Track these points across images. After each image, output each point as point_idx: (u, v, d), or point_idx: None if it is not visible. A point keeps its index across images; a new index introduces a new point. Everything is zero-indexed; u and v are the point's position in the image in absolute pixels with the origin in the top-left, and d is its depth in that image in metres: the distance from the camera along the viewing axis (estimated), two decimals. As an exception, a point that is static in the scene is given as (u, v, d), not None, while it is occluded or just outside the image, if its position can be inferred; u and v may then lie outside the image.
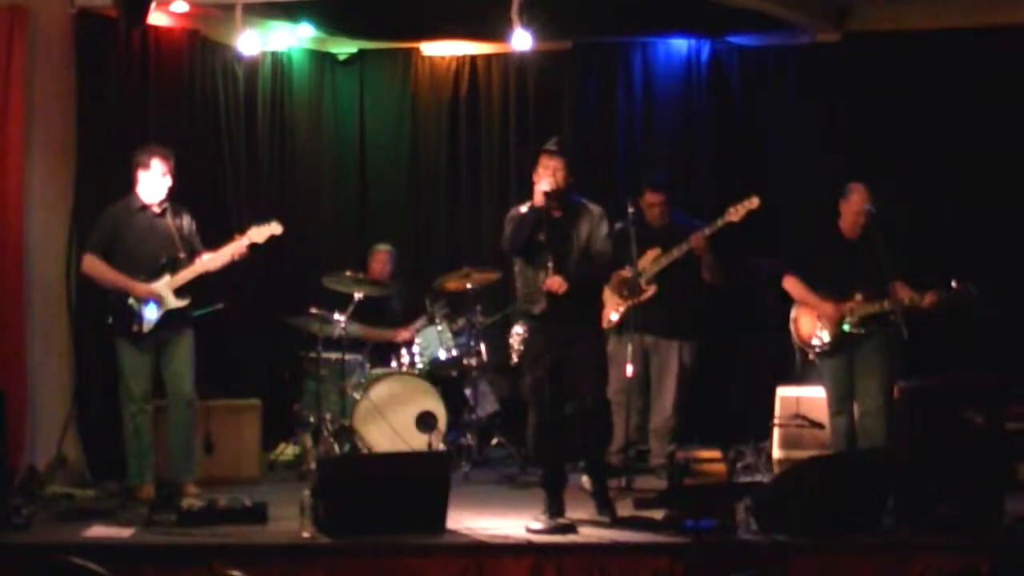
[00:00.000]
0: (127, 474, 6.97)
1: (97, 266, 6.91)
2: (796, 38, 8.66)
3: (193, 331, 7.03)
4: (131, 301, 6.83)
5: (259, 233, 7.04)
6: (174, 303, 6.87)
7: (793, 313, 7.28)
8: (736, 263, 7.93)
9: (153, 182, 6.96)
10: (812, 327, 7.15)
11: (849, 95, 8.46)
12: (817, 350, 7.16)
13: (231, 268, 7.13)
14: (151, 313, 6.83)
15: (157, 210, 6.99)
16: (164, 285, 6.87)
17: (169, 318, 6.89)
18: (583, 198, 6.54)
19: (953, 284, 6.82)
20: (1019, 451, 6.69)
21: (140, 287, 6.83)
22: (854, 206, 7.10)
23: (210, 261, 6.98)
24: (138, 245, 6.93)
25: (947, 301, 6.85)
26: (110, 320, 6.88)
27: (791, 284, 7.27)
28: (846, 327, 7.00)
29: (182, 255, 6.94)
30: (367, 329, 8.33)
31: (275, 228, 7.08)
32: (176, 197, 7.11)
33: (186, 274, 6.91)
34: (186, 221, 7.09)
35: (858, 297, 7.00)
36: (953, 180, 8.15)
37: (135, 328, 6.82)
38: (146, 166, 6.96)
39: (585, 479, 6.78)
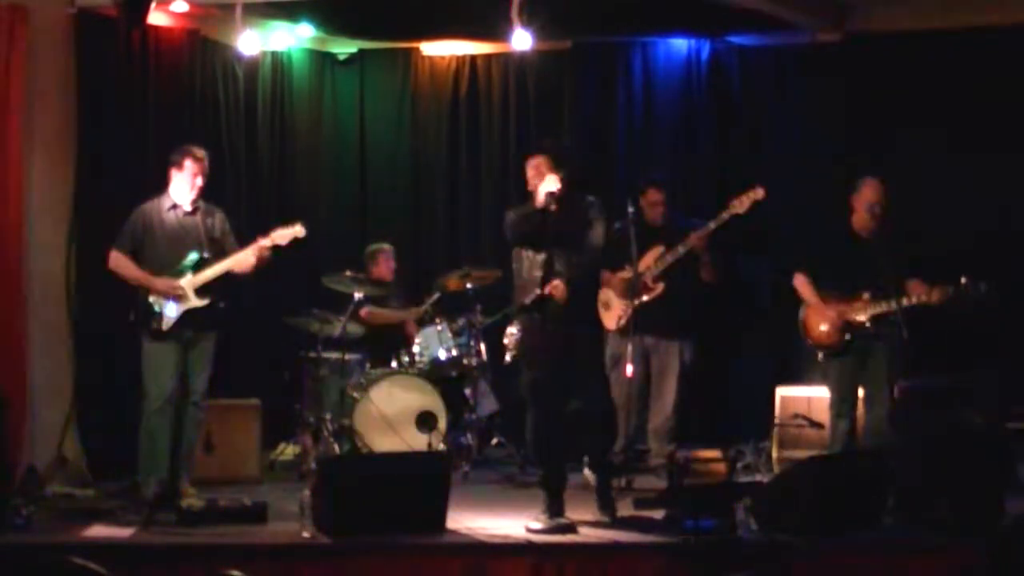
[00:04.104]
0: (137, 470, 6.90)
1: (122, 263, 6.89)
2: (796, 38, 8.66)
3: (217, 334, 6.99)
4: (152, 298, 6.82)
5: (282, 235, 7.00)
6: (195, 302, 6.85)
7: (802, 313, 7.21)
8: (734, 262, 7.93)
9: (185, 182, 6.92)
10: (818, 328, 7.09)
11: (849, 95, 8.46)
12: (823, 353, 7.14)
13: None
14: (171, 311, 6.81)
15: (189, 209, 6.96)
16: (186, 283, 6.85)
17: (192, 317, 6.86)
18: (585, 194, 6.53)
19: (963, 280, 6.76)
20: (1019, 451, 6.69)
21: (160, 284, 6.81)
22: (865, 200, 6.99)
23: (233, 262, 6.93)
24: (166, 243, 6.90)
25: (955, 297, 6.77)
26: (132, 317, 6.87)
27: (800, 283, 7.18)
28: (847, 336, 6.96)
29: (207, 255, 6.92)
30: (376, 312, 8.32)
31: (299, 230, 7.04)
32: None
33: (208, 274, 6.89)
34: (218, 222, 7.04)
35: (865, 296, 6.92)
36: (953, 180, 8.14)
37: (155, 325, 6.81)
38: (179, 166, 6.92)
39: (589, 473, 6.78)
